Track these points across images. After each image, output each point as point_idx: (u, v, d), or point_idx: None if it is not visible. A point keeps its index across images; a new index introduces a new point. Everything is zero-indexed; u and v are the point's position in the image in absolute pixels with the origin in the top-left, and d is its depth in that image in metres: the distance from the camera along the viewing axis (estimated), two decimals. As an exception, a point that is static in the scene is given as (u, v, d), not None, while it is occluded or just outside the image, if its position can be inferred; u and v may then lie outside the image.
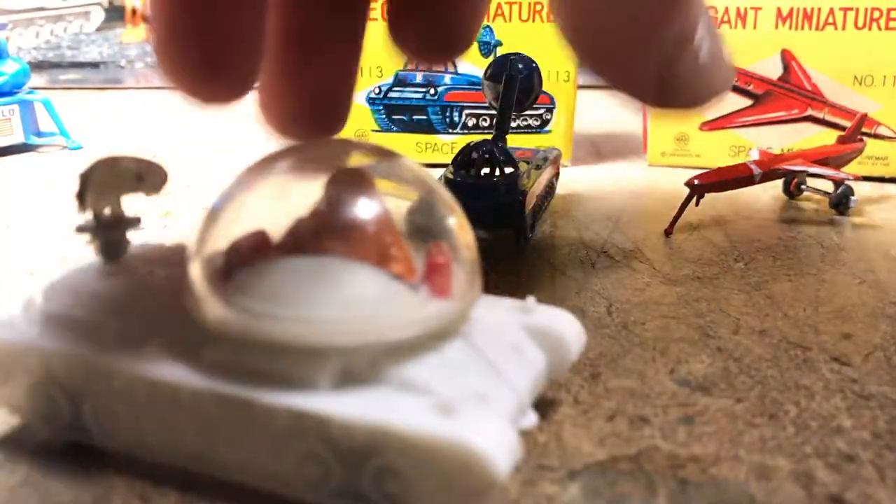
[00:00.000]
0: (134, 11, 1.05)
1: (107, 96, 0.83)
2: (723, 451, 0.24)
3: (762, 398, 0.27)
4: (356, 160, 0.21)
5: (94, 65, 0.92)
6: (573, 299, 0.35)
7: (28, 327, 0.23)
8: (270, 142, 0.23)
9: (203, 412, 0.20)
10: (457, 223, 0.21)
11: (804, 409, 0.26)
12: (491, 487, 0.17)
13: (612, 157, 0.57)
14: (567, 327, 0.23)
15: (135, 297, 0.23)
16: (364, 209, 0.21)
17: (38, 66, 0.95)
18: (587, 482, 0.23)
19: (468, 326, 0.21)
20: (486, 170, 0.38)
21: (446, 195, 0.21)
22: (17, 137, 0.62)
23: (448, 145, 0.56)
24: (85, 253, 0.38)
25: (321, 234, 0.20)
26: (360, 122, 0.56)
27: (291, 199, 0.22)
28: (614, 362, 0.29)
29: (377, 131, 0.56)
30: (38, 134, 0.63)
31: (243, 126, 0.69)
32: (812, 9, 0.52)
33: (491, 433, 0.17)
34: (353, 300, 0.19)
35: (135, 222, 0.25)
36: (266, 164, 0.22)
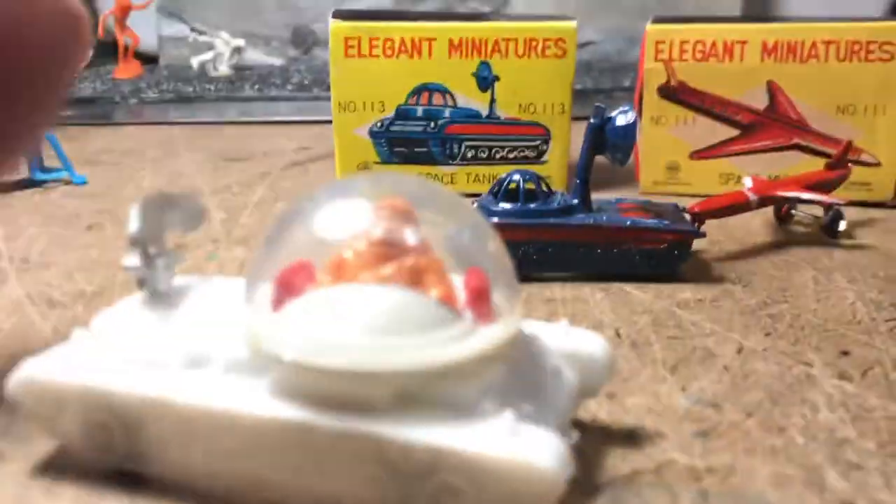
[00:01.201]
0: (126, 48, 1.06)
1: (101, 131, 0.84)
2: (738, 462, 0.26)
3: (770, 412, 0.29)
4: (398, 191, 0.23)
5: (90, 100, 0.93)
6: (580, 321, 0.36)
7: (81, 362, 0.24)
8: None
9: (263, 438, 0.21)
10: (495, 249, 0.23)
11: (811, 421, 0.28)
12: (554, 502, 0.19)
13: (606, 186, 0.59)
14: (598, 350, 0.25)
15: (185, 328, 0.24)
16: (407, 238, 0.22)
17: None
18: (614, 494, 0.24)
19: (510, 349, 0.22)
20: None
21: (483, 221, 0.23)
22: (23, 173, 0.63)
23: (448, 176, 0.58)
24: (103, 283, 0.39)
25: (367, 263, 0.22)
26: (363, 154, 0.57)
27: (337, 230, 0.23)
28: (628, 381, 0.31)
29: (379, 163, 0.58)
30: (44, 170, 0.64)
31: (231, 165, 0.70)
32: (796, 42, 0.55)
33: (552, 450, 0.19)
34: (404, 326, 0.20)
35: (178, 256, 0.27)
36: (311, 199, 0.24)
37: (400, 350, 0.20)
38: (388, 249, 0.22)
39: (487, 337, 0.21)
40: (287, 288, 0.22)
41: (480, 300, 0.22)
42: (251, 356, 0.22)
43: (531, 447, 0.19)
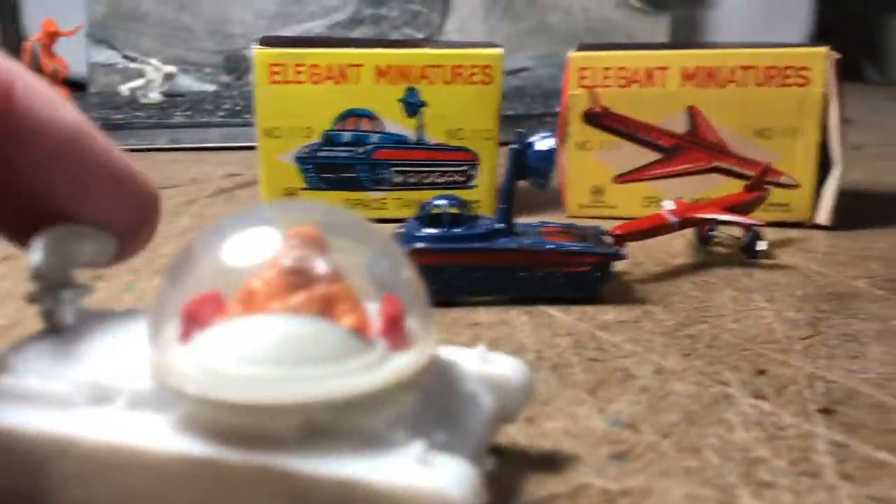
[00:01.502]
0: (54, 76, 1.03)
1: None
2: (653, 484, 0.26)
3: (687, 433, 0.29)
4: (308, 219, 0.23)
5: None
6: (504, 345, 0.37)
7: None
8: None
9: (169, 474, 0.20)
10: (409, 275, 0.23)
11: (727, 441, 0.28)
12: None
13: (534, 209, 0.59)
14: (517, 374, 0.25)
15: (91, 363, 0.23)
16: (317, 267, 0.22)
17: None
18: (530, 520, 0.24)
19: (425, 377, 0.22)
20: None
21: (396, 247, 0.23)
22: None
23: (377, 201, 0.58)
24: (15, 316, 0.38)
25: (277, 293, 0.22)
26: (289, 180, 0.57)
27: (246, 259, 0.23)
28: (547, 405, 0.31)
29: (306, 189, 0.57)
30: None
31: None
32: (715, 68, 0.56)
33: (463, 479, 0.19)
34: (312, 356, 0.20)
35: (85, 289, 0.26)
36: (219, 228, 0.23)
37: (307, 381, 0.20)
38: (299, 278, 0.22)
39: (399, 365, 0.21)
40: (194, 319, 0.22)
41: (394, 327, 0.21)
42: (157, 390, 0.21)
43: (441, 477, 0.19)
